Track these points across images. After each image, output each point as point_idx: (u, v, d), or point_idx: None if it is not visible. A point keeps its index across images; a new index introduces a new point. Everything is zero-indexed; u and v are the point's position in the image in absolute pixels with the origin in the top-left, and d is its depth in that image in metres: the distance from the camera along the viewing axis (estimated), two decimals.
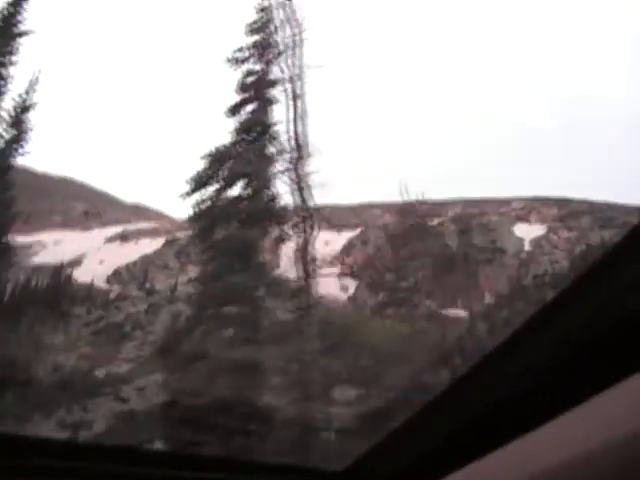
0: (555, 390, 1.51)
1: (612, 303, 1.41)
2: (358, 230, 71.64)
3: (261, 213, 33.54)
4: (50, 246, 74.46)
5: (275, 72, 34.31)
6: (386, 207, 77.26)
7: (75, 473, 2.15)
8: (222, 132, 34.89)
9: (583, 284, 1.53)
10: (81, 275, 62.85)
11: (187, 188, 33.02)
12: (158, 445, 28.98)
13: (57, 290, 56.30)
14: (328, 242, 72.39)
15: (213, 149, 33.58)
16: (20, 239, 77.03)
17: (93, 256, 70.36)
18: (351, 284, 63.60)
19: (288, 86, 34.69)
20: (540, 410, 1.46)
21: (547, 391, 1.53)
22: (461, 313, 56.32)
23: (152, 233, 75.89)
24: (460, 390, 1.88)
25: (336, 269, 66.75)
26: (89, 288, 59.57)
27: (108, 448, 2.56)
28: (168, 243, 69.93)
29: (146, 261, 66.04)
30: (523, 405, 1.56)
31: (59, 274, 57.71)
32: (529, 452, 1.48)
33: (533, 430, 1.47)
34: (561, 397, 1.43)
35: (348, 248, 68.33)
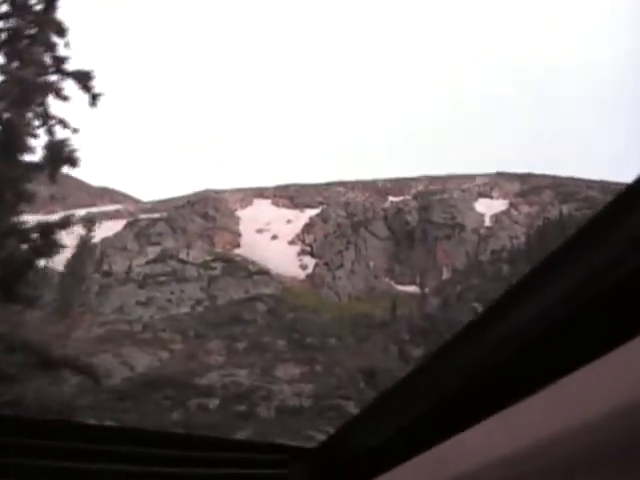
0: (524, 371, 1.48)
1: (585, 283, 1.35)
2: (319, 208, 71.42)
3: None
4: None
5: None
6: (350, 185, 77.38)
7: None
8: None
9: (555, 263, 1.45)
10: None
11: None
12: None
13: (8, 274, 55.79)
14: (290, 220, 72.40)
15: None
16: None
17: None
18: (310, 262, 63.38)
19: None
20: (514, 388, 1.43)
21: (517, 370, 1.51)
22: (416, 289, 56.28)
23: (115, 216, 75.57)
24: (431, 369, 1.83)
25: (297, 247, 66.66)
26: (44, 271, 59.15)
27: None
28: (129, 225, 69.62)
29: (106, 243, 65.61)
30: (494, 384, 1.55)
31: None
32: (501, 431, 1.48)
33: (506, 408, 1.45)
34: (533, 376, 1.39)
35: (309, 226, 68.08)
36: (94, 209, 79.85)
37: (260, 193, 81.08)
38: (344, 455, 2.23)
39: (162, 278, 57.72)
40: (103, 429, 2.61)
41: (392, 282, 61.23)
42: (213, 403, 39.37)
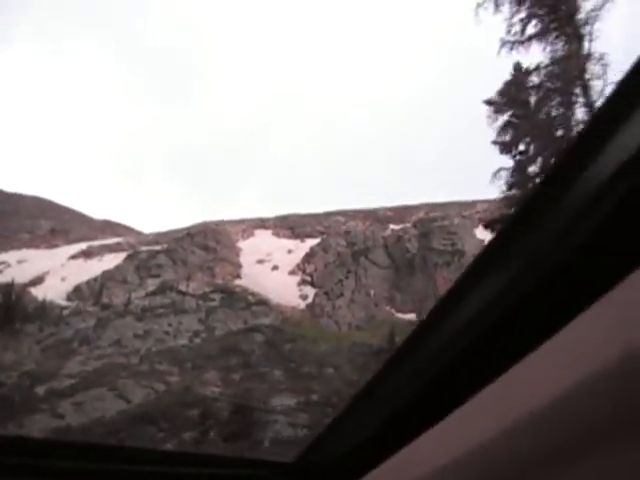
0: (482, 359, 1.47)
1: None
2: (320, 238, 71.43)
3: None
4: (14, 265, 74.28)
5: None
6: (351, 214, 77.42)
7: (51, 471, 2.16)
8: None
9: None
10: (42, 293, 62.77)
11: None
12: None
13: (8, 309, 56.09)
14: (291, 250, 72.44)
15: None
16: None
17: (55, 273, 70.26)
18: (310, 292, 63.27)
19: None
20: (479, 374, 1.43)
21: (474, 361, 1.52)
22: (415, 317, 56.06)
23: (116, 249, 75.86)
24: (400, 363, 1.78)
25: (297, 277, 66.63)
26: (43, 306, 59.42)
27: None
28: (129, 257, 69.80)
29: (106, 276, 65.79)
30: (461, 373, 1.55)
31: (10, 293, 57.40)
32: (476, 419, 1.47)
33: (477, 394, 1.44)
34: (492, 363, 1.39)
35: (310, 256, 68.06)
36: (95, 242, 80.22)
37: (261, 224, 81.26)
38: (322, 464, 2.20)
39: (161, 310, 57.71)
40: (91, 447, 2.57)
41: (392, 310, 61.03)
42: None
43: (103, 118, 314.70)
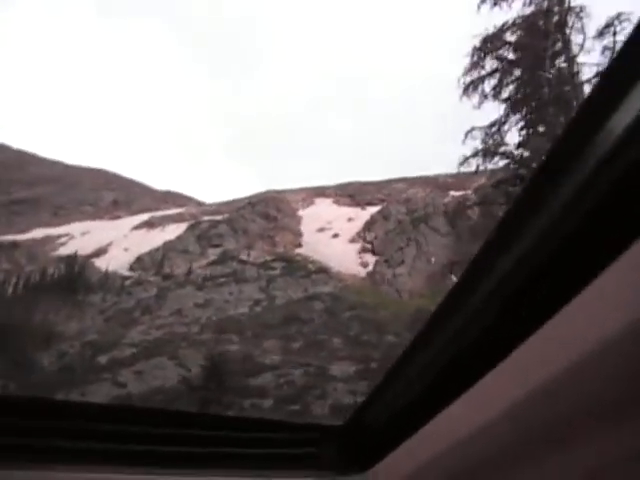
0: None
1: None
2: (380, 205, 71.11)
3: None
4: (78, 236, 75.20)
5: None
6: (411, 181, 76.88)
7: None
8: None
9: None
10: (105, 263, 63.44)
11: None
12: None
13: (72, 280, 56.83)
14: (351, 218, 72.24)
15: None
16: (48, 231, 78.41)
17: (118, 244, 70.98)
18: (371, 260, 63.06)
19: None
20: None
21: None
22: None
23: (178, 219, 76.34)
24: (439, 326, 1.82)
25: (358, 245, 66.45)
26: (106, 276, 60.07)
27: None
28: (191, 227, 70.25)
29: (168, 246, 66.28)
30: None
31: (73, 264, 58.17)
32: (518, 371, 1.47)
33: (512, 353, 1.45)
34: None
35: (370, 223, 67.81)
36: (158, 213, 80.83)
37: (322, 192, 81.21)
38: (370, 427, 2.27)
39: (221, 279, 57.98)
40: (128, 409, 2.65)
41: (453, 277, 60.57)
42: (267, 403, 39.25)
43: (166, 92, 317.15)
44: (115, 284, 59.25)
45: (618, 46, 22.35)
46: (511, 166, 27.39)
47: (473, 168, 28.38)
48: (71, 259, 59.05)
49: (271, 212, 70.95)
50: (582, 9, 24.65)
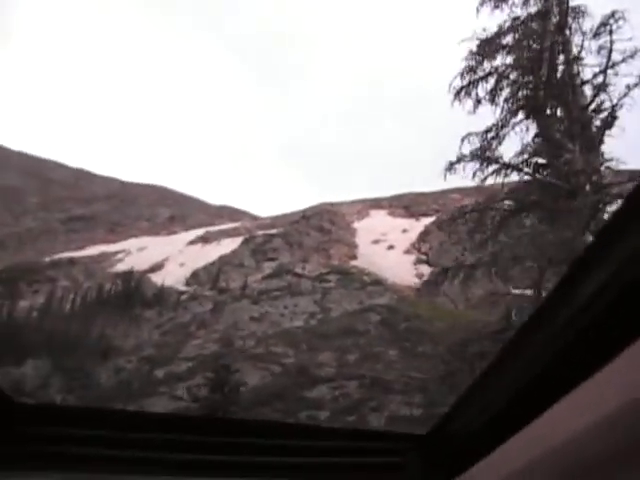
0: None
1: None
2: (435, 216, 70.79)
3: None
4: (134, 252, 75.92)
5: None
6: (466, 191, 76.25)
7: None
8: None
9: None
10: (161, 278, 63.93)
11: None
12: None
13: (129, 296, 57.37)
14: (406, 230, 72.00)
15: None
16: (105, 248, 79.30)
17: (174, 259, 71.51)
18: (426, 271, 62.74)
19: None
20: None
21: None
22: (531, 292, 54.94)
23: (233, 233, 76.76)
24: (526, 339, 1.81)
25: (413, 256, 66.17)
26: (162, 291, 60.52)
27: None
28: (245, 242, 70.55)
29: (223, 261, 66.65)
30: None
31: (130, 280, 58.76)
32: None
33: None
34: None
35: (425, 234, 67.53)
36: (213, 228, 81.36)
37: (376, 204, 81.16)
38: (454, 437, 2.25)
39: (277, 293, 58.03)
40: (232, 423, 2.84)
41: (509, 287, 60.02)
42: (323, 415, 39.17)
43: (219, 107, 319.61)
44: (171, 299, 59.61)
45: (615, 46, 21.90)
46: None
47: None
48: (127, 275, 59.61)
49: (325, 225, 71.03)
50: (580, 9, 24.12)
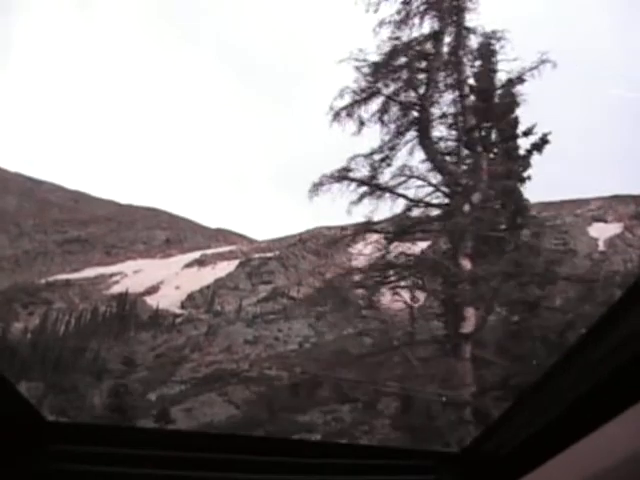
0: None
1: None
2: (430, 240, 70.76)
3: None
4: (130, 275, 75.99)
5: None
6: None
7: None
8: None
9: None
10: (156, 301, 63.94)
11: None
12: None
13: (123, 318, 57.41)
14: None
15: None
16: (101, 270, 79.38)
17: (170, 282, 71.56)
18: (421, 296, 62.72)
19: None
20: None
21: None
22: None
23: (229, 256, 76.80)
24: (572, 361, 1.81)
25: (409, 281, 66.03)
26: (157, 314, 60.56)
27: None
28: (241, 265, 70.60)
29: (219, 284, 66.72)
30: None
31: (124, 302, 58.80)
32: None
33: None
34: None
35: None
36: (209, 251, 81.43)
37: (372, 227, 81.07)
38: (489, 456, 2.21)
39: (271, 316, 58.00)
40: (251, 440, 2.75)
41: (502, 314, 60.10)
42: (314, 438, 39.11)
43: (216, 131, 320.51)
44: (166, 322, 59.65)
45: (497, 66, 21.74)
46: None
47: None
48: (123, 297, 59.62)
49: (321, 249, 71.00)
50: (472, 30, 23.76)
